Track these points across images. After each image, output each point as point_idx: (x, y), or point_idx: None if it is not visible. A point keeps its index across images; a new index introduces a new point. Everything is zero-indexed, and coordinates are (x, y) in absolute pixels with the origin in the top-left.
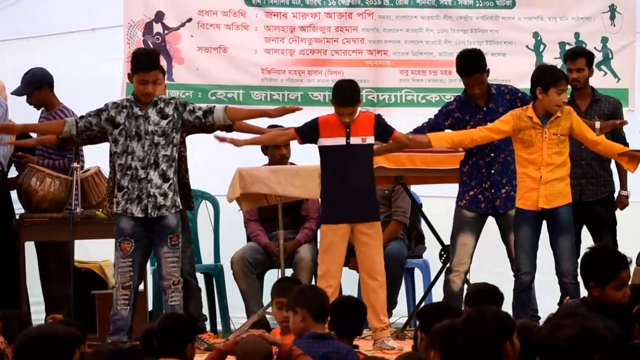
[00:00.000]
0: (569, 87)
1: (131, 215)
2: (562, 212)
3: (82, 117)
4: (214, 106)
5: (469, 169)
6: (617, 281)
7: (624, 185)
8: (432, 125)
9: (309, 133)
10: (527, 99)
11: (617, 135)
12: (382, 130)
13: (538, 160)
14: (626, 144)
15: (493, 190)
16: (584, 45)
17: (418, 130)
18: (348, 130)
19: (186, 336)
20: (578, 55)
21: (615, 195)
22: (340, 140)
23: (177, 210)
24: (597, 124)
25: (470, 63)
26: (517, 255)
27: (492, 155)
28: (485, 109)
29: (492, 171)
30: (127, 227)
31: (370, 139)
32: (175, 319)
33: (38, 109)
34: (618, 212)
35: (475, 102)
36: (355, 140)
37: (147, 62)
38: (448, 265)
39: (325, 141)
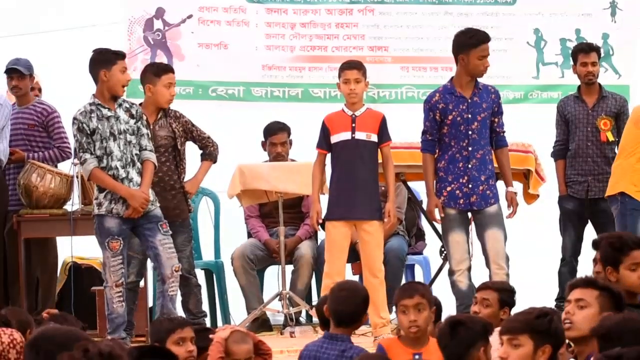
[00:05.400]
0: (577, 81)
1: (117, 215)
2: None
3: (84, 150)
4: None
5: (445, 163)
6: (629, 259)
7: None
8: (433, 132)
9: (324, 138)
10: (501, 110)
11: (622, 132)
12: (382, 132)
13: None
14: None
15: (470, 186)
16: (586, 42)
17: (428, 147)
18: (354, 125)
19: None
20: (592, 49)
21: None
22: (346, 135)
23: (157, 204)
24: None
25: (485, 33)
26: None
27: (470, 149)
28: (469, 100)
29: (470, 165)
30: (114, 225)
31: (375, 137)
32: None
33: (16, 93)
34: None
35: (460, 92)
36: (360, 135)
37: (119, 51)
38: (449, 268)
39: (334, 138)
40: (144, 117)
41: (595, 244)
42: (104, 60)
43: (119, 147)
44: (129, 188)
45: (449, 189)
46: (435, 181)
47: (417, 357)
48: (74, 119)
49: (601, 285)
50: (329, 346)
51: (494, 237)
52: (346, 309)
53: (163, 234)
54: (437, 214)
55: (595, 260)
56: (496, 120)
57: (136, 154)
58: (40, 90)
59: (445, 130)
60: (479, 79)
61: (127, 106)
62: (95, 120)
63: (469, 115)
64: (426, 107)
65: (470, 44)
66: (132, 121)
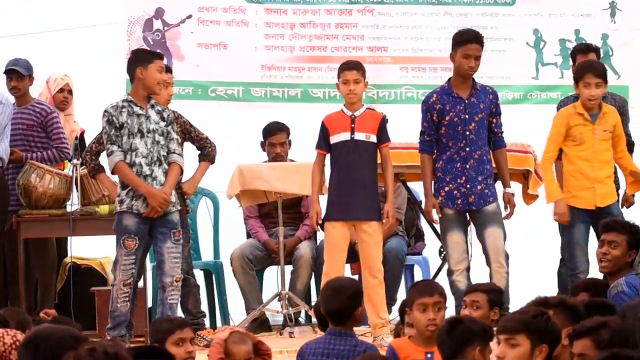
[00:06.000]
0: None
1: (137, 212)
2: (613, 208)
3: (112, 142)
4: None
5: (443, 164)
6: None
7: None
8: (431, 133)
9: (324, 139)
10: (500, 111)
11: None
12: (381, 133)
13: (590, 157)
14: (632, 143)
15: (468, 186)
16: (585, 42)
17: (426, 147)
18: (353, 125)
19: None
20: (590, 49)
21: (621, 193)
22: (345, 136)
23: (179, 207)
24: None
25: (473, 33)
26: (574, 254)
27: (468, 150)
28: (466, 101)
29: (467, 166)
30: (132, 224)
31: (374, 138)
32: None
33: (15, 94)
34: (624, 211)
35: (457, 93)
36: (359, 136)
37: (157, 52)
38: (447, 267)
39: (333, 138)
40: (175, 124)
41: (609, 227)
42: (140, 59)
43: (146, 145)
44: (150, 186)
45: (447, 189)
46: (433, 181)
47: (429, 356)
48: (105, 111)
49: (553, 303)
50: (337, 342)
51: (494, 235)
52: (333, 307)
53: (173, 242)
54: (435, 215)
55: (603, 242)
56: (494, 120)
57: (163, 155)
58: (70, 92)
59: (443, 131)
60: (477, 80)
61: (160, 109)
62: (126, 115)
63: (466, 116)
64: (424, 108)
65: (457, 41)
66: (162, 123)
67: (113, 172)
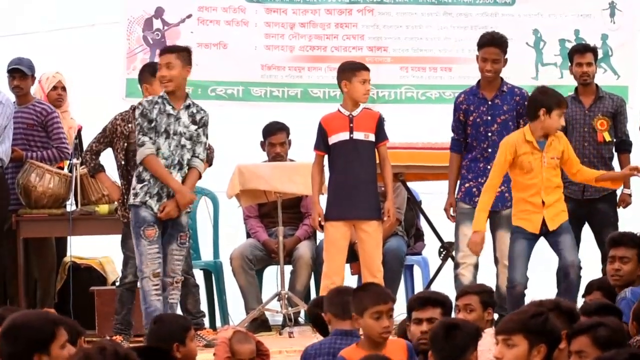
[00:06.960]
0: (576, 82)
1: (150, 207)
2: (564, 227)
3: (144, 134)
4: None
5: (468, 162)
6: None
7: (627, 184)
8: (459, 132)
9: (322, 139)
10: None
11: (620, 133)
12: (379, 131)
13: (538, 185)
14: (629, 143)
15: None
16: (583, 42)
17: (454, 146)
18: (351, 125)
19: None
20: (587, 49)
21: (618, 193)
22: (344, 135)
23: (189, 209)
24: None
25: (489, 36)
26: (513, 265)
27: (490, 150)
28: (490, 102)
29: (489, 167)
30: (148, 215)
31: (372, 137)
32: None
33: (17, 93)
34: (620, 211)
35: (482, 94)
36: (358, 135)
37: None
38: (454, 261)
39: (332, 138)
40: (207, 126)
41: (617, 242)
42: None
43: (169, 147)
44: (180, 183)
45: (467, 185)
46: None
47: None
48: (139, 104)
49: (549, 307)
50: (343, 341)
51: (503, 239)
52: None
53: (178, 245)
54: (451, 213)
55: (613, 258)
56: (522, 122)
57: (187, 159)
58: (64, 89)
59: (468, 131)
60: (506, 80)
61: (194, 111)
62: (156, 112)
63: (489, 117)
64: (453, 108)
65: (478, 44)
66: (192, 127)
67: (140, 163)
